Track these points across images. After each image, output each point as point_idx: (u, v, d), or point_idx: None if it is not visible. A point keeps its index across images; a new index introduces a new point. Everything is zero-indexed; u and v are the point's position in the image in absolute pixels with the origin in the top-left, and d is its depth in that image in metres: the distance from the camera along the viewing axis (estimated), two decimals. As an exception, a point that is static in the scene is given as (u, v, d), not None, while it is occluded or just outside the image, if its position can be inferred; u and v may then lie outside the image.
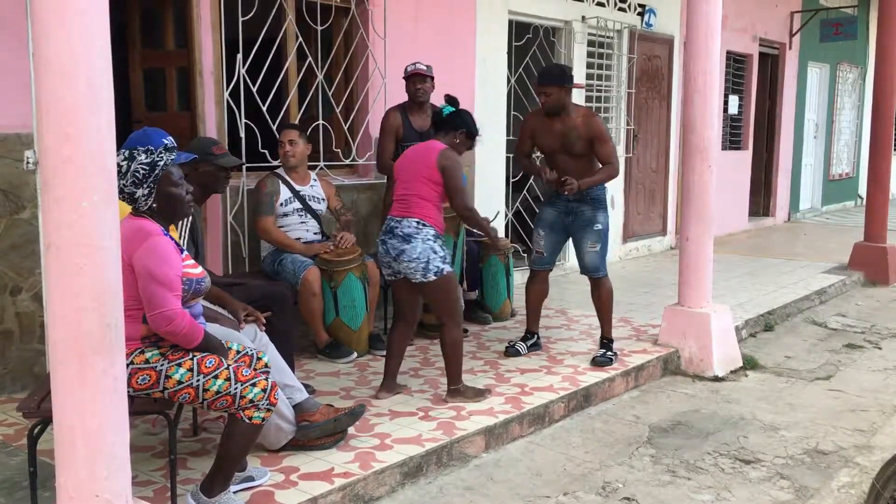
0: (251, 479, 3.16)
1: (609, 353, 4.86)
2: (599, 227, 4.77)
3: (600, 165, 4.73)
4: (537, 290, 5.03)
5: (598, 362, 4.79)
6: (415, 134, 5.14)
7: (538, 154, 5.17)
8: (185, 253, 2.89)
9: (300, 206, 4.85)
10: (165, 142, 2.81)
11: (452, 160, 3.97)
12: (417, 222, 3.93)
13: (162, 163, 2.77)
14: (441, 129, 4.16)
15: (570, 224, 4.85)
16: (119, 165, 2.67)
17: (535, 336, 5.08)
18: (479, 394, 4.15)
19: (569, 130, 4.66)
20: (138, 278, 2.67)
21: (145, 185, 2.75)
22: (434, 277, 3.92)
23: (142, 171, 2.74)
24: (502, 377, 4.55)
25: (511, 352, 4.97)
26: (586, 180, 4.62)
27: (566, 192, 4.59)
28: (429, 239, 3.93)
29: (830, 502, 3.36)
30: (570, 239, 4.94)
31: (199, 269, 2.93)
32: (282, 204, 4.79)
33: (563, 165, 4.73)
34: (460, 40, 6.53)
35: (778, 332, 6.24)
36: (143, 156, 2.75)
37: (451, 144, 4.09)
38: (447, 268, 3.97)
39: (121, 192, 2.67)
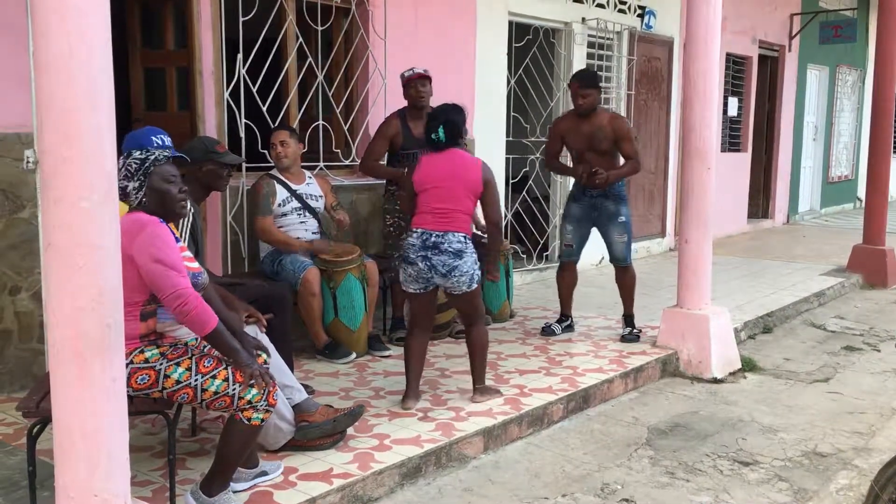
0: (265, 473, 3.18)
1: (634, 329, 5.41)
2: (623, 219, 5.29)
3: (623, 161, 5.25)
4: (567, 279, 5.56)
5: (628, 339, 5.34)
6: (414, 141, 5.07)
7: (564, 154, 5.61)
8: (182, 244, 2.90)
9: (299, 206, 4.85)
10: (164, 139, 2.85)
11: (491, 173, 4.11)
12: (464, 237, 4.01)
13: (153, 157, 2.81)
14: (450, 146, 4.07)
15: (596, 218, 5.37)
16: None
17: (569, 318, 5.64)
18: (497, 392, 4.26)
19: (596, 130, 5.18)
20: (142, 267, 2.67)
21: (136, 178, 2.78)
22: (475, 286, 4.06)
23: (134, 165, 2.78)
24: (501, 378, 4.55)
25: (547, 331, 5.52)
26: (614, 172, 5.17)
27: (596, 182, 5.10)
28: (473, 252, 4.04)
29: (829, 504, 3.37)
30: (597, 231, 5.42)
31: (196, 264, 2.93)
32: (280, 204, 4.78)
33: (590, 162, 5.22)
34: (460, 41, 6.54)
35: (776, 334, 6.25)
36: (138, 152, 2.82)
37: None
38: (479, 274, 4.13)
39: None
